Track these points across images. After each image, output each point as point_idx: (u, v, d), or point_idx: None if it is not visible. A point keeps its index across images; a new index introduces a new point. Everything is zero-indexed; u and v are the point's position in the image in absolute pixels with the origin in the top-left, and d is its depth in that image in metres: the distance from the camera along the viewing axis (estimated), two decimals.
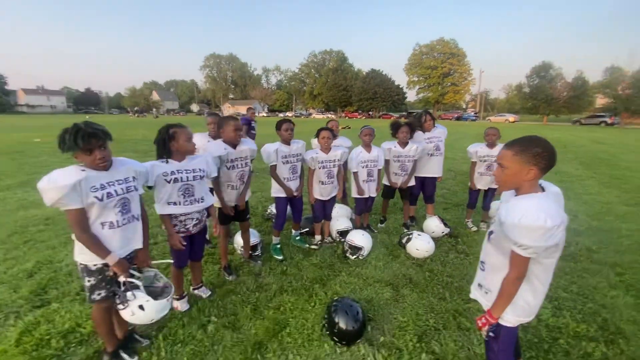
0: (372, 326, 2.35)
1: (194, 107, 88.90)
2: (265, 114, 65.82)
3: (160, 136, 2.23)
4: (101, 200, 1.73)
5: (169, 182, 2.23)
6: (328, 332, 2.21)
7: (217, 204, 2.91)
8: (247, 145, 2.92)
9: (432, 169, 4.18)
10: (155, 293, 2.00)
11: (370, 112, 62.33)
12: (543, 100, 39.14)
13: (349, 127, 23.54)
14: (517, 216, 1.23)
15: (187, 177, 2.30)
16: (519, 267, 1.30)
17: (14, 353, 2.05)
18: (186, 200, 2.32)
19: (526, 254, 1.26)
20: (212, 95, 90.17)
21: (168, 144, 2.23)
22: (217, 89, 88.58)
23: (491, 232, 1.47)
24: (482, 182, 4.09)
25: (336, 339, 2.16)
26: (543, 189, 1.36)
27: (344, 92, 67.50)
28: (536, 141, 1.31)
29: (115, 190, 1.80)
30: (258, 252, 3.39)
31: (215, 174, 2.60)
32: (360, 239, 3.41)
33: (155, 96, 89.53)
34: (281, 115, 64.08)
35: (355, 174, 3.80)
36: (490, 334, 1.45)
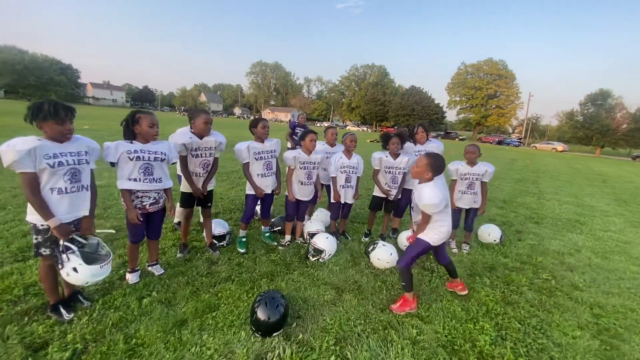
0: (297, 323, 2.37)
1: (237, 111, 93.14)
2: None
3: (126, 119, 2.48)
4: (52, 167, 1.97)
5: (131, 159, 2.45)
6: (251, 322, 2.27)
7: (184, 189, 3.13)
8: (213, 137, 3.10)
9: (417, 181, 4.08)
10: (95, 259, 2.20)
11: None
12: (597, 131, 36.10)
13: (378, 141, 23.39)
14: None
15: (149, 157, 2.51)
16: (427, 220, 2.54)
17: None
18: (145, 179, 2.53)
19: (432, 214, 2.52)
20: (254, 100, 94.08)
21: (131, 127, 2.47)
22: (259, 94, 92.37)
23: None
24: (463, 201, 3.93)
25: (253, 329, 2.21)
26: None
27: (381, 107, 67.19)
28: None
29: (67, 160, 2.04)
30: (224, 243, 3.54)
31: (176, 160, 2.80)
32: (323, 242, 3.43)
33: (202, 97, 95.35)
34: (318, 124, 65.21)
35: (334, 178, 3.84)
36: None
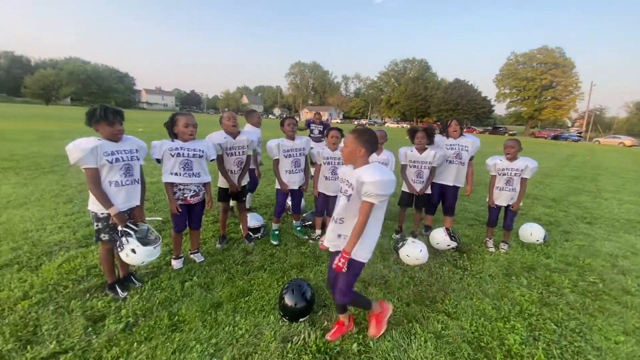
0: (323, 312, 2.47)
1: (276, 111, 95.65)
2: (339, 121, 67.25)
3: (167, 121, 2.77)
4: (111, 163, 2.28)
5: (173, 155, 2.74)
6: (279, 307, 2.42)
7: (221, 184, 3.39)
8: (245, 136, 3.31)
9: (448, 176, 3.95)
10: (147, 243, 2.49)
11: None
12: None
13: None
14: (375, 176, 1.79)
15: (188, 154, 2.79)
16: (367, 213, 1.84)
17: (54, 273, 2.77)
18: (185, 173, 2.80)
19: (377, 201, 1.82)
20: (293, 100, 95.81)
21: (171, 127, 2.75)
22: (298, 95, 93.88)
23: (350, 195, 1.95)
24: (502, 198, 3.75)
25: (282, 314, 2.36)
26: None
27: (422, 102, 64.94)
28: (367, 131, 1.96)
29: (122, 157, 2.35)
30: (258, 235, 3.75)
31: (214, 157, 3.04)
32: None
33: (244, 99, 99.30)
34: (355, 122, 64.77)
35: None
36: (345, 268, 1.88)
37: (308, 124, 7.52)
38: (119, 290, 2.54)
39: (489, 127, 55.53)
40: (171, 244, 3.12)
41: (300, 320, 2.33)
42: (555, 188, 8.00)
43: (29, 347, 1.95)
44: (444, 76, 76.23)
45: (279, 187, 3.65)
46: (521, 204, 3.75)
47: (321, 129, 7.45)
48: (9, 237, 3.42)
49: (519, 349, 2.18)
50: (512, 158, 3.65)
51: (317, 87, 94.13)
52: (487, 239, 4.03)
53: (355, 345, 2.13)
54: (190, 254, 3.20)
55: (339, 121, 66.49)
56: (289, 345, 2.10)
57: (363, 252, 1.95)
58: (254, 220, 3.83)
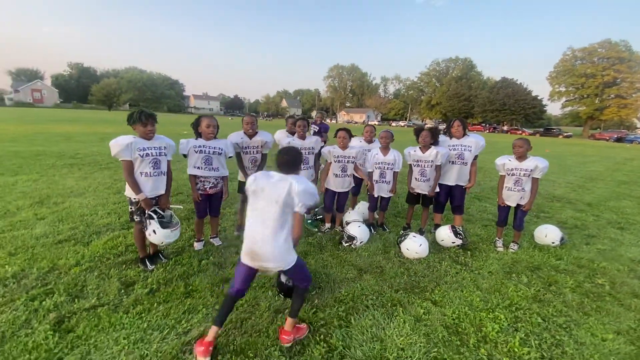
0: (316, 292, 2.75)
1: (314, 114, 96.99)
2: (377, 122, 66.58)
3: (194, 121, 3.24)
4: (142, 157, 2.76)
5: (196, 152, 3.20)
6: (276, 284, 2.75)
7: (241, 178, 3.80)
8: (260, 137, 3.68)
9: (451, 177, 4.04)
10: (167, 226, 2.93)
11: (496, 126, 55.03)
12: None
13: None
14: None
15: (209, 151, 3.23)
16: None
17: (100, 247, 3.35)
18: (206, 167, 3.25)
19: None
20: (331, 103, 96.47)
21: (196, 127, 3.21)
22: (336, 97, 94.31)
23: None
24: (511, 199, 3.74)
25: (278, 290, 2.68)
26: None
27: (465, 103, 61.99)
28: None
29: (151, 152, 2.82)
30: None
31: (232, 155, 3.46)
32: (355, 229, 3.73)
33: (284, 103, 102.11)
34: (393, 124, 63.79)
35: (371, 173, 4.10)
36: None
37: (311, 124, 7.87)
38: (148, 264, 3.03)
39: (540, 129, 51.57)
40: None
41: None
42: (596, 192, 7.46)
43: (76, 300, 2.47)
44: (490, 75, 72.32)
45: None
46: (532, 205, 3.71)
47: (316, 130, 7.71)
48: (69, 219, 4.14)
49: (495, 336, 2.28)
50: (521, 158, 3.63)
51: (355, 89, 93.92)
52: (497, 238, 4.02)
53: (336, 320, 2.38)
54: (210, 238, 3.65)
55: (377, 123, 65.80)
56: (280, 315, 2.41)
57: None
58: None
